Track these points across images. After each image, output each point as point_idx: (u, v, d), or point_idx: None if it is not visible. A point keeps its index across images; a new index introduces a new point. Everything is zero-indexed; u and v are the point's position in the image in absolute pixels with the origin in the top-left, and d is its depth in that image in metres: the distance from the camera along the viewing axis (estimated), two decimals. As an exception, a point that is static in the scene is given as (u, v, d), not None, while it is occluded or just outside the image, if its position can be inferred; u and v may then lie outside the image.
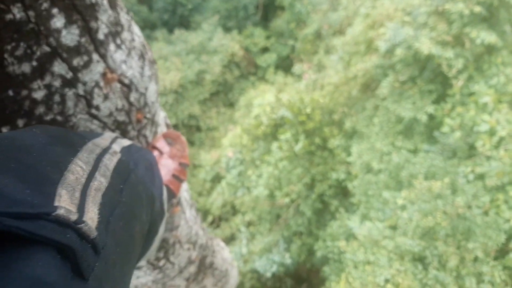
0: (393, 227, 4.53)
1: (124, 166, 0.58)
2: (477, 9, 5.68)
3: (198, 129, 9.97)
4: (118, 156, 0.57)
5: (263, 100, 6.95)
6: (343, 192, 6.15)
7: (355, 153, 5.65)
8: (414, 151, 5.52)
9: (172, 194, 1.04)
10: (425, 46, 5.75)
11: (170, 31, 11.47)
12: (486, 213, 4.24)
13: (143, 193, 0.62)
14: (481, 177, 4.64)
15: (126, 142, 0.74)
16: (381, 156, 5.45)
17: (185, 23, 11.84)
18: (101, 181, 0.47)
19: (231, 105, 10.19)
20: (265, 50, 10.74)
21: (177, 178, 1.06)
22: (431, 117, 5.62)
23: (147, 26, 12.13)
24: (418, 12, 6.39)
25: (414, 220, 4.06)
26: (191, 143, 9.64)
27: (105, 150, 0.56)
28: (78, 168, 0.45)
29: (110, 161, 0.53)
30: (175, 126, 9.52)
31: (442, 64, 5.81)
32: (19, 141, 0.44)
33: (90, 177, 0.46)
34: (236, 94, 9.92)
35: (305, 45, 9.24)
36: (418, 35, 6.03)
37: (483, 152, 4.84)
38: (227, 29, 11.03)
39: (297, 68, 8.31)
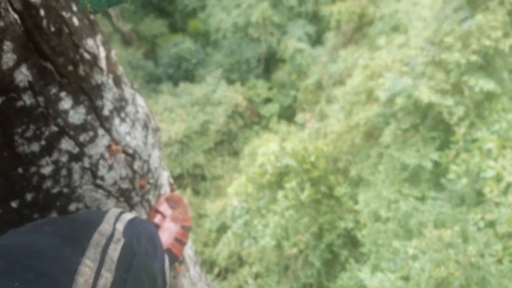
0: (405, 278, 4.38)
1: (127, 252, 0.61)
2: (473, 58, 5.84)
3: (203, 178, 9.98)
4: (122, 242, 0.60)
5: (267, 149, 7.00)
6: (352, 241, 6.01)
7: (362, 201, 5.59)
8: (422, 199, 5.46)
9: (174, 257, 1.04)
10: (425, 94, 5.86)
11: (175, 84, 11.84)
12: (499, 261, 4.11)
13: (146, 277, 0.65)
14: (491, 224, 4.55)
15: (129, 216, 0.76)
16: (389, 204, 5.39)
17: (190, 77, 12.24)
18: (107, 277, 0.51)
19: (235, 154, 10.27)
20: (267, 100, 11.00)
21: (180, 242, 1.06)
22: (436, 164, 5.62)
23: (153, 80, 12.54)
24: (415, 62, 6.57)
25: (426, 271, 3.93)
26: (196, 192, 9.61)
27: (110, 239, 0.59)
28: (86, 269, 0.50)
29: (114, 252, 0.57)
30: (180, 176, 9.53)
31: (443, 112, 5.89)
32: (33, 247, 0.49)
33: (97, 275, 0.50)
34: (240, 143, 10.04)
35: (306, 95, 9.47)
36: (417, 84, 6.16)
37: (491, 199, 4.78)
38: (230, 82, 11.37)
39: (299, 117, 8.45)
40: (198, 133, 9.73)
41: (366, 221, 5.59)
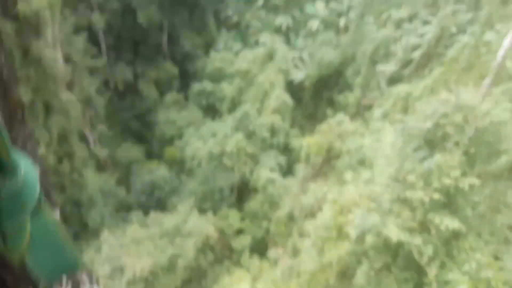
0: None
1: None
2: (436, 196, 6.06)
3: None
4: None
5: (238, 290, 6.60)
6: None
7: None
8: None
9: None
10: (393, 233, 5.87)
11: (146, 213, 11.64)
12: None
13: None
14: None
15: None
16: None
17: (162, 205, 12.12)
18: None
19: (203, 294, 9.59)
20: (240, 231, 10.82)
21: None
22: (411, 309, 5.37)
23: (123, 208, 12.35)
24: (382, 199, 6.76)
25: None
26: None
27: None
28: None
29: None
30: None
31: (413, 251, 5.85)
32: None
33: None
34: (209, 281, 9.45)
35: (279, 227, 9.39)
36: (385, 222, 6.22)
37: None
38: (202, 211, 11.28)
39: (272, 252, 8.24)
40: (165, 270, 9.16)
41: None
